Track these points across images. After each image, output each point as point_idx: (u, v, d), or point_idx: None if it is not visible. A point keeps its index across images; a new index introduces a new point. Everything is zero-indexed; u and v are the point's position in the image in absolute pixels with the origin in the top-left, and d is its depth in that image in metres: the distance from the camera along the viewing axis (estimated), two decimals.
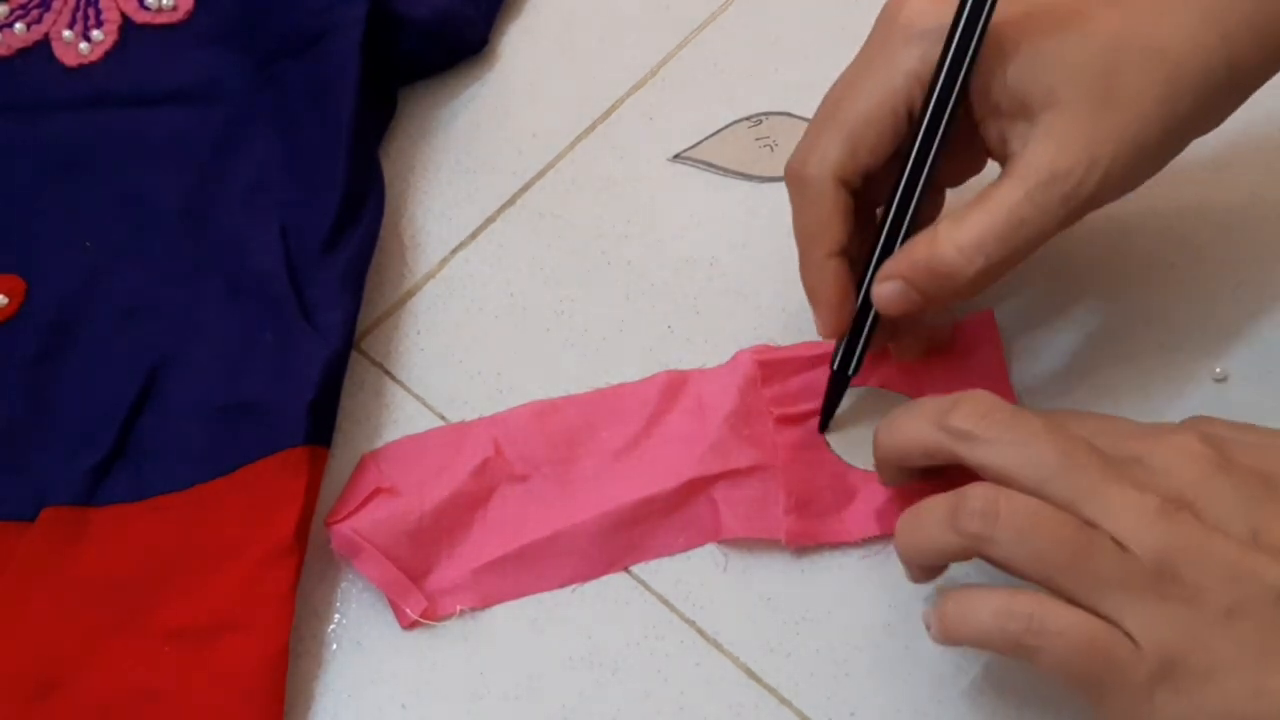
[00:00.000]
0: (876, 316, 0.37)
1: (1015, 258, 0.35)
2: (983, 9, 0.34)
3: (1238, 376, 0.41)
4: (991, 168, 0.38)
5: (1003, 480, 0.32)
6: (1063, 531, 0.31)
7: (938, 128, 0.35)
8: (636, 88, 0.50)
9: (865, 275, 0.37)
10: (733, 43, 0.50)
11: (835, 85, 0.38)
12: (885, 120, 0.36)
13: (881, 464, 0.37)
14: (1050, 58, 0.34)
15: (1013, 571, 0.32)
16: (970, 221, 0.34)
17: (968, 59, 0.34)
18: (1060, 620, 0.30)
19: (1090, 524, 0.31)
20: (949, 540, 0.32)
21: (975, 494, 0.32)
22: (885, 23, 0.37)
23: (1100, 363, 0.41)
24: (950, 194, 0.40)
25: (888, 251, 0.37)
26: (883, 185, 0.37)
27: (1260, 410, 0.38)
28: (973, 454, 0.33)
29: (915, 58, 0.35)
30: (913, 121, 0.36)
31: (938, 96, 0.35)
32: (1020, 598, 0.31)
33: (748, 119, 0.48)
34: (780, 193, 0.46)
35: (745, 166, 0.47)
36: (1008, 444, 0.32)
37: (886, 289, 0.36)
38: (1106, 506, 0.31)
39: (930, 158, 0.35)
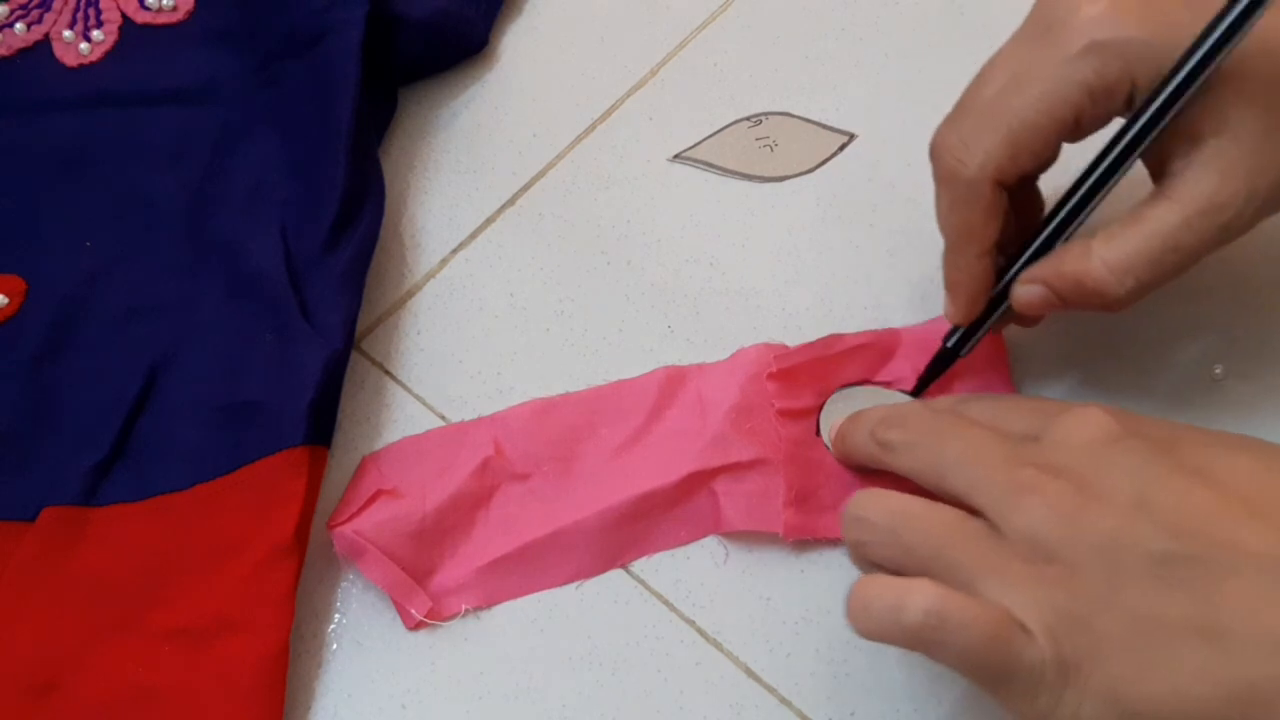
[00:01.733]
0: (1007, 308, 0.38)
1: (1164, 280, 0.34)
2: (1219, 49, 0.32)
3: (1237, 376, 0.41)
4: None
5: (918, 481, 0.33)
6: (928, 523, 0.31)
7: (1131, 153, 0.34)
8: (636, 88, 0.50)
9: (1005, 269, 0.37)
10: (732, 43, 0.50)
11: (989, 76, 0.36)
12: (1051, 128, 0.35)
13: (842, 464, 0.38)
14: (1224, 84, 0.33)
15: (899, 572, 0.31)
16: (1125, 241, 0.34)
17: (1184, 97, 0.33)
18: (957, 614, 0.29)
19: (976, 513, 0.31)
20: (858, 556, 0.33)
21: (851, 502, 0.33)
22: (1055, 23, 0.35)
23: (1100, 362, 0.41)
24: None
25: (1036, 255, 0.36)
26: (1030, 183, 0.37)
27: (1259, 410, 0.38)
28: (896, 462, 0.35)
29: (1091, 69, 0.34)
30: (1079, 130, 0.35)
31: (1142, 125, 0.34)
32: (916, 595, 0.30)
33: (747, 119, 0.48)
34: (780, 192, 0.46)
35: (745, 166, 0.47)
36: (916, 447, 0.34)
37: (1030, 292, 0.36)
38: (988, 491, 0.31)
39: (1114, 178, 0.35)
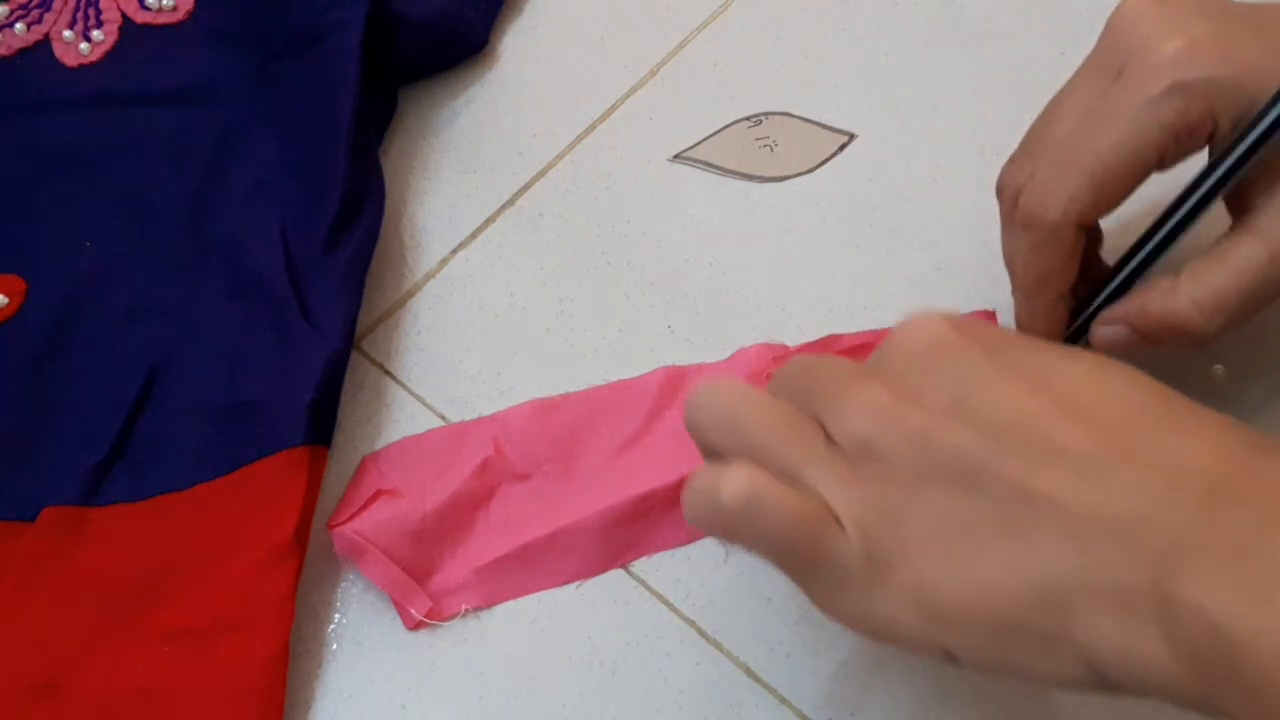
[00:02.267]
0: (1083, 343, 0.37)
1: (1252, 315, 0.34)
2: None
3: (1237, 375, 0.41)
4: None
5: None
6: (764, 413, 0.31)
7: (1217, 193, 0.34)
8: (636, 88, 0.50)
9: (1077, 310, 0.37)
10: (732, 43, 0.50)
11: (1059, 113, 0.36)
12: (1134, 171, 0.34)
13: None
14: None
15: (722, 451, 0.31)
16: (1213, 279, 0.34)
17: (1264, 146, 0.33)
18: (770, 499, 0.29)
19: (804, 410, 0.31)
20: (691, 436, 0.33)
21: (694, 390, 0.32)
22: (1130, 61, 0.34)
23: None
24: None
25: (1114, 295, 0.36)
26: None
27: (1260, 409, 0.38)
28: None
29: (1174, 110, 0.33)
30: (1160, 168, 0.34)
31: (1229, 166, 0.33)
32: (729, 476, 0.29)
33: (747, 119, 0.48)
34: (780, 192, 0.46)
35: (745, 166, 0.47)
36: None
37: (1113, 333, 0.36)
38: (822, 395, 0.31)
39: (1197, 219, 0.34)
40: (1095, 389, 0.29)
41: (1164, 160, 0.34)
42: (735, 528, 0.30)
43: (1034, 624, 0.27)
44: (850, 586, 0.29)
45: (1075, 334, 0.37)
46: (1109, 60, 0.35)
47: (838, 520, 0.29)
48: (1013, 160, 0.36)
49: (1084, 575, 0.26)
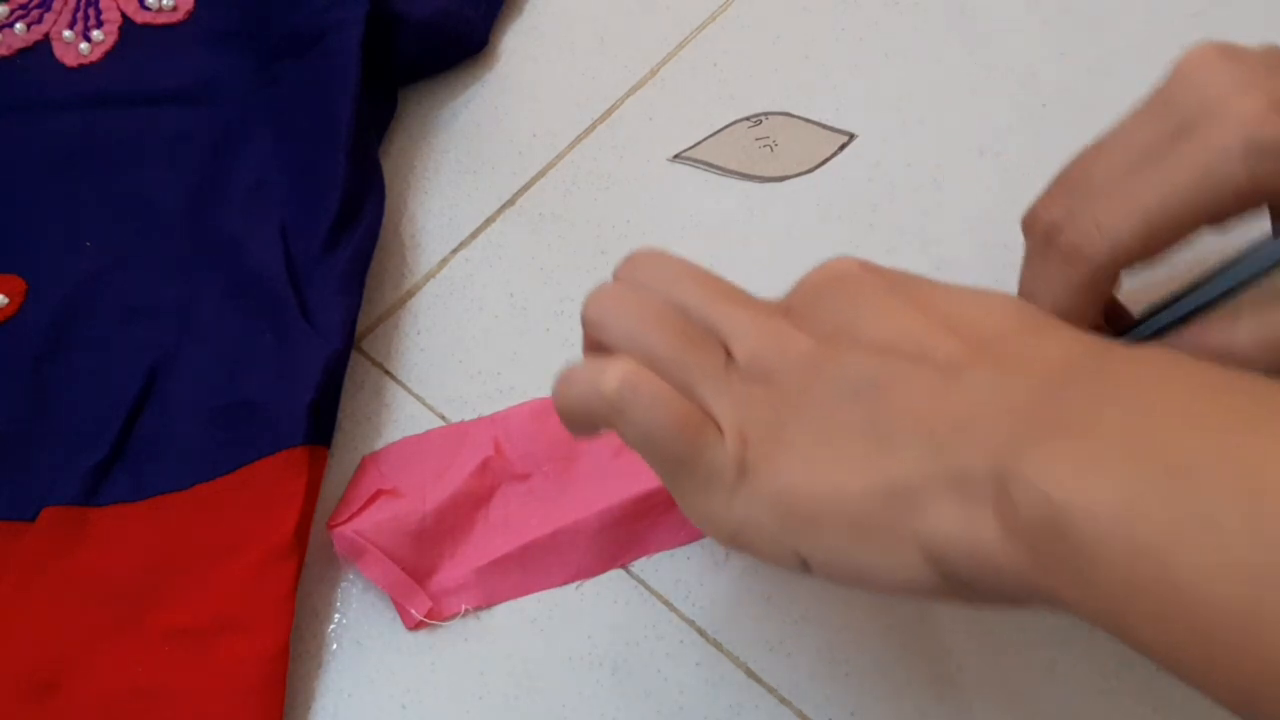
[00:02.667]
0: None
1: None
2: None
3: None
4: None
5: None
6: (671, 321, 0.31)
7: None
8: (636, 88, 0.50)
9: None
10: (733, 42, 0.50)
11: (1111, 152, 0.34)
12: (1191, 221, 0.33)
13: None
14: None
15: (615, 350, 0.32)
16: (1275, 318, 0.33)
17: None
18: (654, 391, 0.30)
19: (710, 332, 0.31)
20: (583, 342, 0.33)
21: (595, 288, 0.33)
22: (1200, 112, 0.32)
23: None
24: None
25: (1166, 329, 0.35)
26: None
27: None
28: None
29: (1246, 171, 0.32)
30: (1214, 223, 0.33)
31: None
32: (616, 364, 0.30)
33: (747, 119, 0.48)
34: (780, 192, 0.46)
35: (745, 166, 0.47)
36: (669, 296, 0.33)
37: None
38: (725, 322, 0.31)
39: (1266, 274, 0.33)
40: (975, 308, 0.29)
41: (1222, 216, 0.33)
42: (613, 417, 0.30)
43: (880, 521, 0.27)
44: (717, 491, 0.29)
45: None
46: (1172, 109, 0.33)
47: (717, 425, 0.30)
48: (1047, 196, 0.35)
49: (929, 469, 0.27)
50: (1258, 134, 0.31)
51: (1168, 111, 0.33)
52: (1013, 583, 0.25)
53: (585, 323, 0.33)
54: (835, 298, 0.31)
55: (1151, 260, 0.34)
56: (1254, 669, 0.22)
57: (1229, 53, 0.33)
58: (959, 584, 0.26)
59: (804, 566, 0.29)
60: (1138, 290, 0.37)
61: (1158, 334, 0.35)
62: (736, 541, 0.30)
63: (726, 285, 0.33)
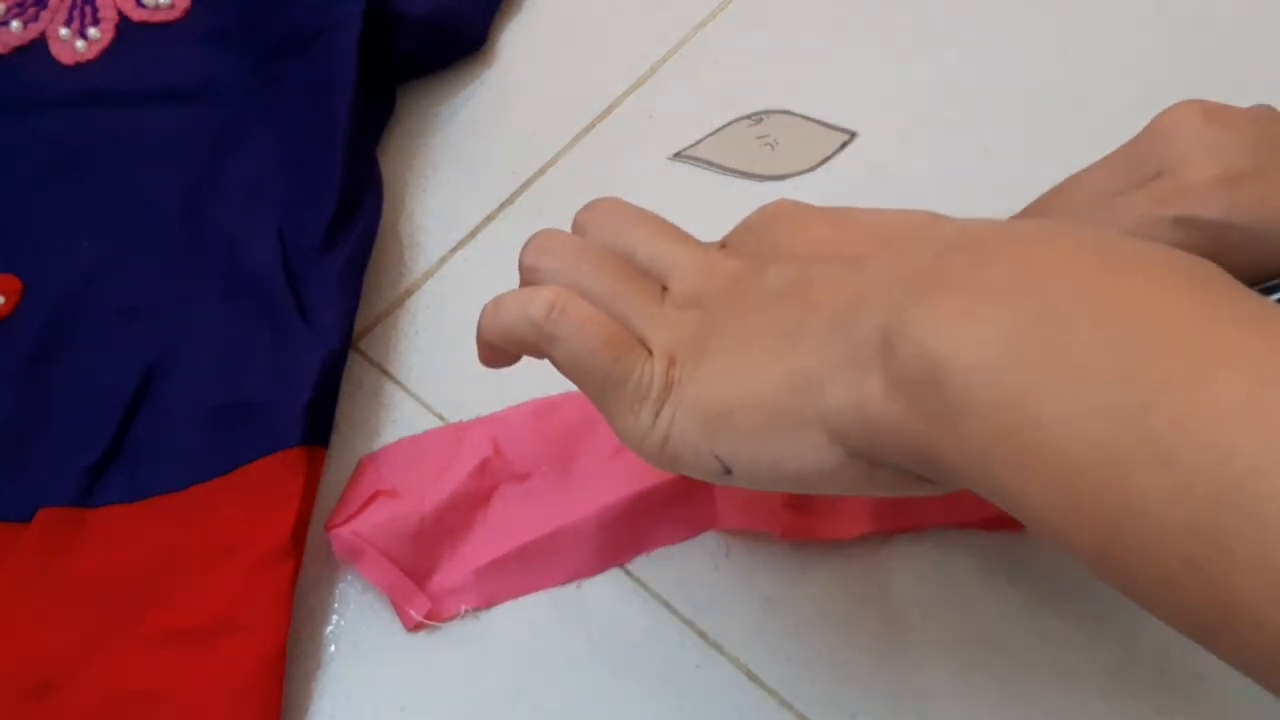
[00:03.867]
0: None
1: None
2: None
3: None
4: None
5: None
6: (608, 262, 0.32)
7: None
8: (636, 86, 0.49)
9: None
10: (733, 40, 0.50)
11: (1079, 191, 0.35)
12: None
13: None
14: None
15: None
16: None
17: None
18: (583, 313, 0.30)
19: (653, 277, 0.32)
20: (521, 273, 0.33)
21: (535, 234, 0.33)
22: (1161, 168, 0.33)
23: None
24: None
25: None
26: None
27: None
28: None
29: (1179, 243, 0.32)
30: None
31: None
32: (547, 289, 0.31)
33: (748, 117, 0.48)
34: (781, 190, 0.46)
35: (745, 165, 0.47)
36: (602, 230, 0.34)
37: None
38: (661, 258, 0.32)
39: None
40: (892, 217, 0.30)
41: None
42: (541, 341, 0.31)
43: (788, 410, 0.28)
44: (644, 407, 0.30)
45: None
46: (1141, 161, 0.34)
47: (645, 345, 0.31)
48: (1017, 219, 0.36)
49: (828, 350, 0.27)
50: (1197, 209, 0.32)
51: (1136, 162, 0.34)
52: (899, 444, 0.26)
53: (522, 268, 0.33)
54: (764, 226, 0.32)
55: None
56: (1110, 511, 0.22)
57: (1209, 114, 0.33)
58: (864, 462, 0.27)
59: (726, 471, 0.29)
60: None
61: None
62: (664, 456, 0.30)
63: (670, 227, 0.34)
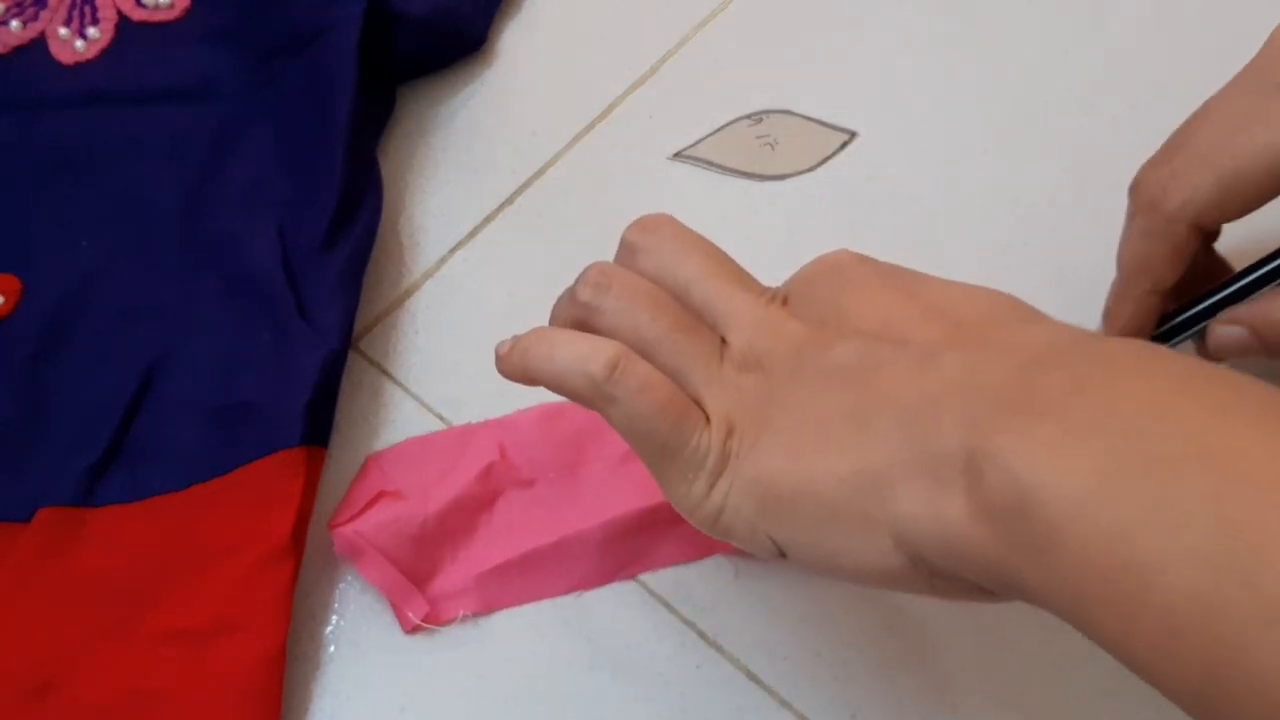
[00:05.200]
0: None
1: None
2: None
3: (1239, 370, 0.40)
4: None
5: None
6: (667, 308, 0.31)
7: None
8: (636, 86, 0.49)
9: (1177, 306, 0.37)
10: (733, 40, 0.50)
11: (1206, 117, 0.35)
12: (1267, 180, 0.34)
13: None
14: None
15: (609, 335, 0.32)
16: None
17: None
18: (643, 376, 0.30)
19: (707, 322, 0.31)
20: (567, 315, 0.33)
21: (591, 268, 0.33)
22: None
23: None
24: None
25: (1231, 300, 0.36)
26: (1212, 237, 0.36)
27: None
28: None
29: None
30: None
31: None
32: (609, 347, 0.30)
33: (748, 117, 0.48)
34: (780, 190, 0.46)
35: (745, 165, 0.47)
36: (661, 268, 0.33)
37: (1229, 332, 0.35)
38: (719, 302, 0.31)
39: None
40: (964, 298, 0.30)
41: None
42: (598, 401, 0.30)
43: (852, 505, 0.27)
44: (700, 475, 0.30)
45: (1168, 334, 0.37)
46: (1268, 72, 0.34)
47: (704, 411, 0.30)
48: (1152, 161, 0.36)
49: (901, 451, 0.27)
50: None
51: (1262, 75, 0.34)
52: (978, 566, 0.25)
53: (576, 301, 0.33)
54: (828, 287, 0.31)
55: (1232, 217, 0.34)
56: (1209, 658, 0.22)
57: None
58: (927, 569, 0.26)
59: (780, 553, 0.29)
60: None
61: (1243, 293, 0.35)
62: (716, 528, 0.30)
63: (729, 265, 0.33)
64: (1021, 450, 0.24)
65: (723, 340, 0.31)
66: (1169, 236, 0.35)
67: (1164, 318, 0.37)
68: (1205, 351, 0.37)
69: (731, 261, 0.33)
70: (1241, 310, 0.35)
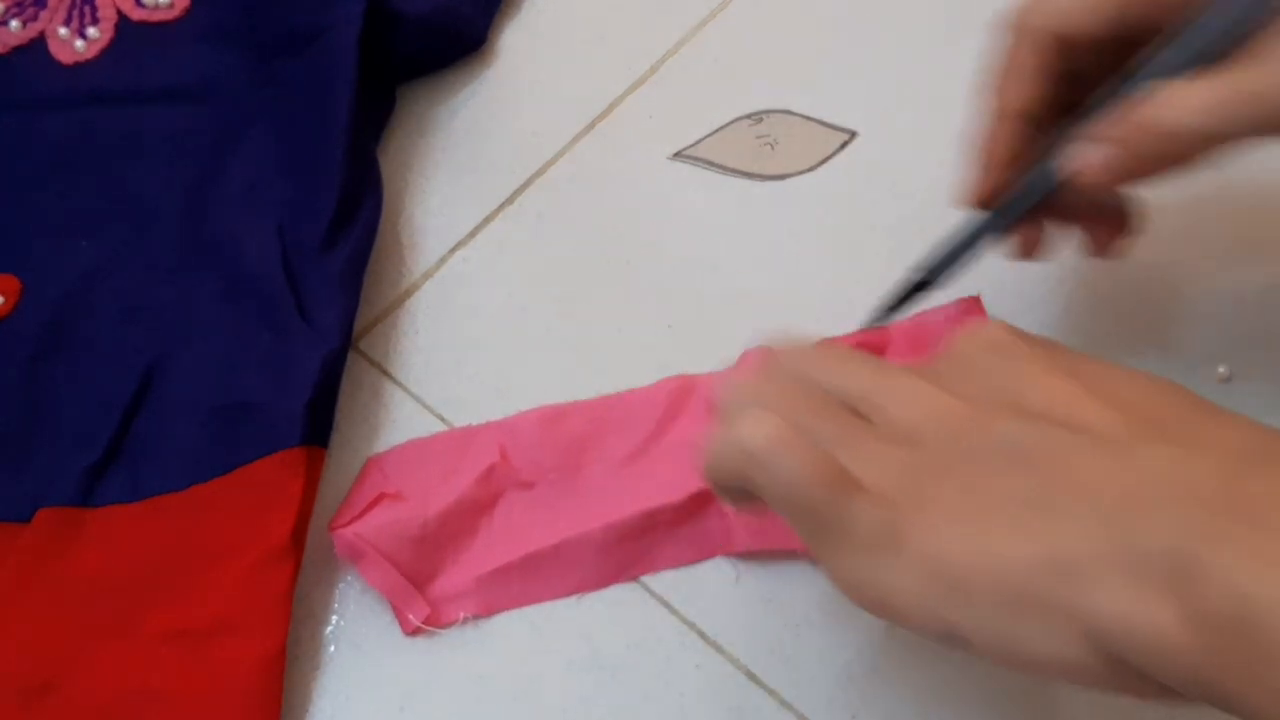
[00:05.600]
0: (1043, 198, 0.36)
1: (1238, 133, 0.32)
2: None
3: (1242, 377, 0.40)
4: None
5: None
6: (807, 398, 0.31)
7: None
8: (636, 85, 0.49)
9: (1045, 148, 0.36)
10: (733, 40, 0.50)
11: None
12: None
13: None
14: None
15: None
16: (1201, 86, 0.32)
17: None
18: (796, 440, 0.29)
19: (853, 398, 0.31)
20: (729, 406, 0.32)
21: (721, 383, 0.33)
22: None
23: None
24: None
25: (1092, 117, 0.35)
26: (1093, 75, 0.35)
27: (1267, 410, 0.37)
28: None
29: None
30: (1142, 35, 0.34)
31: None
32: (767, 419, 0.29)
33: (748, 117, 0.48)
34: (780, 190, 0.46)
35: (745, 164, 0.47)
36: (815, 371, 0.32)
37: (1093, 152, 0.34)
38: (861, 386, 0.31)
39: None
40: (1132, 385, 0.29)
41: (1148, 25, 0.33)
42: (753, 470, 0.29)
43: (1040, 593, 0.26)
44: (862, 553, 0.28)
45: (1044, 156, 0.36)
46: None
47: (860, 484, 0.29)
48: None
49: (1099, 544, 0.26)
50: None
51: None
52: (1182, 673, 0.24)
53: (719, 407, 0.32)
54: (987, 363, 0.30)
55: (1089, 30, 0.34)
56: None
57: None
58: (1122, 669, 0.25)
59: (954, 638, 0.28)
60: None
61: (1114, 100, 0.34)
62: (883, 608, 0.29)
63: (865, 355, 0.33)
64: (1243, 563, 0.24)
65: (863, 416, 0.30)
66: (1028, 50, 0.35)
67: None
68: (1071, 189, 0.35)
69: (864, 353, 0.33)
70: (1100, 124, 0.34)
